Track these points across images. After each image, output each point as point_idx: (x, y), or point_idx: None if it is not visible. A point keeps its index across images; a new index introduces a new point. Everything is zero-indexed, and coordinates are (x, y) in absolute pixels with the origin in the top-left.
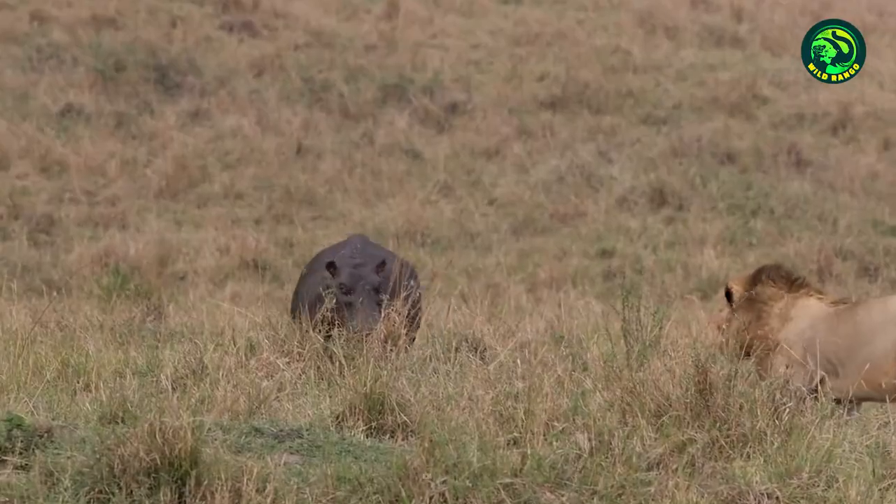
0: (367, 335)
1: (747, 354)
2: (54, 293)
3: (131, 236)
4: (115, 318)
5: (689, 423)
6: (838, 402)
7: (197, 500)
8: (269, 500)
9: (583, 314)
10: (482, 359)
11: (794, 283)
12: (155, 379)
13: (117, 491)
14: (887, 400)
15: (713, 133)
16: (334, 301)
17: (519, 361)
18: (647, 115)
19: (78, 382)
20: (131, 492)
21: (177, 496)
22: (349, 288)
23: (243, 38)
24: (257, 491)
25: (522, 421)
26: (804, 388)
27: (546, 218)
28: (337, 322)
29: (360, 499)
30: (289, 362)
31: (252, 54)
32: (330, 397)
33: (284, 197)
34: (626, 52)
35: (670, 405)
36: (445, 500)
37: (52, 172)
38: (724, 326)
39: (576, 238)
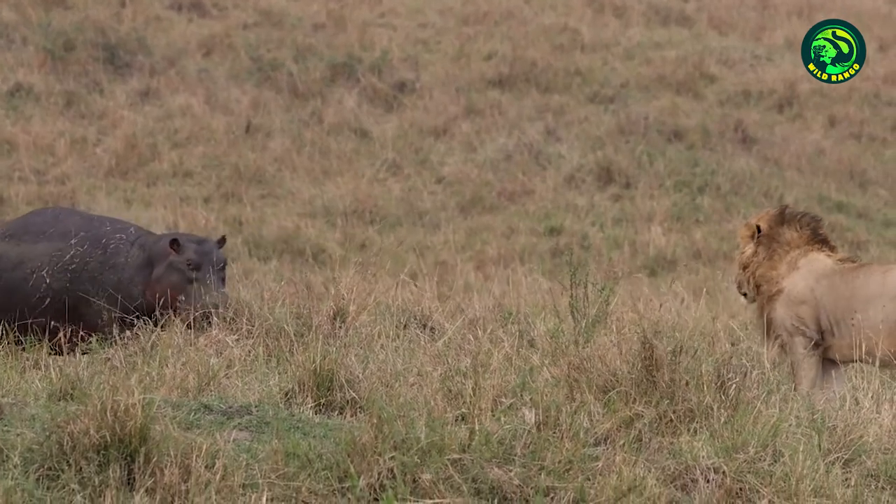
0: (221, 312)
1: (759, 290)
2: None
3: None
4: None
5: (635, 398)
6: (833, 361)
7: (146, 477)
8: (217, 476)
9: (530, 291)
10: (431, 335)
11: (815, 238)
12: (105, 357)
13: (67, 468)
14: (876, 365)
15: (660, 111)
16: (182, 278)
17: (469, 338)
18: (595, 94)
19: (27, 360)
20: (81, 468)
21: (126, 473)
22: (197, 264)
23: (192, 18)
24: (206, 467)
25: (470, 397)
26: (803, 339)
27: (494, 196)
28: (180, 299)
29: (309, 475)
30: (238, 339)
31: (201, 33)
32: (279, 374)
33: (233, 175)
34: (573, 31)
35: (617, 381)
36: (394, 476)
37: (2, 151)
38: (749, 264)
39: (523, 216)
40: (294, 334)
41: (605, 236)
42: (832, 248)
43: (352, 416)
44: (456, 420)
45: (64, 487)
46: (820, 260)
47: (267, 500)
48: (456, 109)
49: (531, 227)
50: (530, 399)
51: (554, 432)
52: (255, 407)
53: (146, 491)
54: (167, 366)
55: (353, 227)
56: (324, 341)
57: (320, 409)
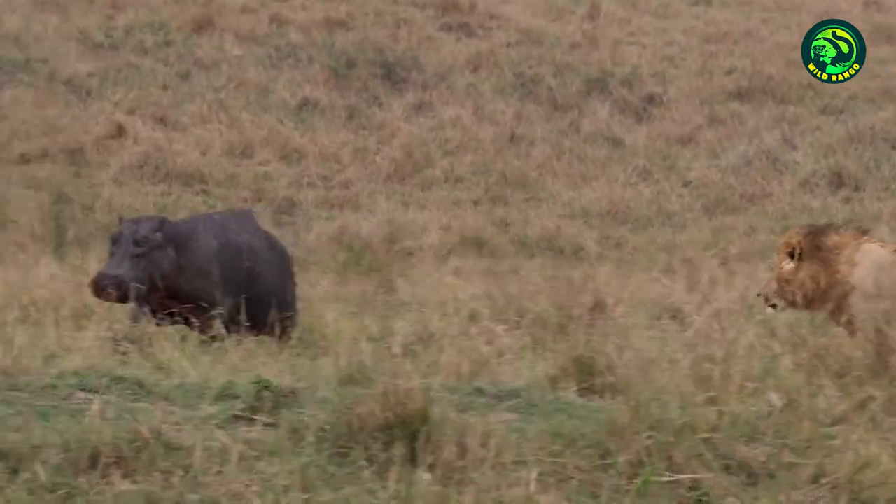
0: (104, 288)
1: (815, 302)
2: (296, 269)
3: (363, 217)
4: (350, 290)
5: (869, 382)
6: None
7: (427, 454)
8: (491, 454)
9: None
10: (681, 326)
11: (860, 232)
12: (387, 345)
13: (355, 446)
14: None
15: (885, 121)
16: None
17: (715, 327)
18: (826, 105)
19: (318, 348)
20: (368, 447)
21: (409, 450)
22: (115, 238)
23: (461, 38)
24: (481, 445)
25: (718, 381)
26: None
27: (736, 198)
28: None
29: (573, 452)
30: (507, 329)
31: (469, 52)
32: (544, 361)
33: (500, 180)
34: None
35: (852, 366)
36: (650, 454)
37: (292, 159)
38: (790, 279)
39: (763, 216)
40: (557, 325)
41: None
42: (881, 241)
43: (611, 399)
44: (706, 402)
45: (353, 464)
46: (875, 250)
47: (536, 475)
48: (700, 119)
49: (770, 226)
50: (773, 384)
51: (795, 414)
52: (524, 391)
53: (428, 467)
54: (444, 353)
55: (608, 227)
56: (584, 331)
57: (582, 393)
